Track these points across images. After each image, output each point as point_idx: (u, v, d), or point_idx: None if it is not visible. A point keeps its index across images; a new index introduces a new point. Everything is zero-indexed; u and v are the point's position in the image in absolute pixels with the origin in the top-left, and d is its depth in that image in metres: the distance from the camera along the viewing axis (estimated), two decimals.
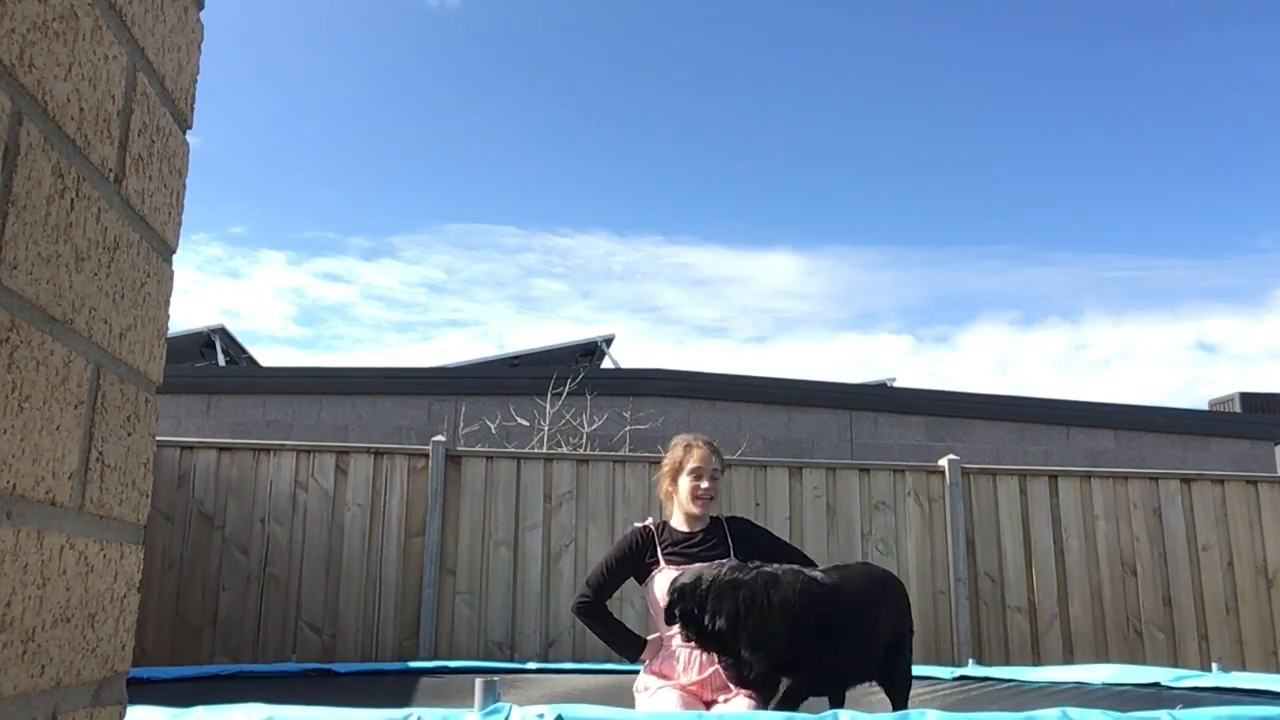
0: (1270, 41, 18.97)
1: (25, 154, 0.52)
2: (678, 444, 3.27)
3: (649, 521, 3.27)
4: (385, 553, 5.58)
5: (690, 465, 3.17)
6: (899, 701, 2.91)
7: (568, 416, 8.25)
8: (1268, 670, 5.55)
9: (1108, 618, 5.83)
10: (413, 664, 5.02)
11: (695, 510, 3.15)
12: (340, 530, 5.58)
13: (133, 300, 0.67)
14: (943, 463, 6.03)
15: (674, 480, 3.21)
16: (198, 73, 0.77)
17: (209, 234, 25.90)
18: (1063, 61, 21.93)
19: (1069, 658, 5.65)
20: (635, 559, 3.17)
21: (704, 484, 3.14)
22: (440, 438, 5.85)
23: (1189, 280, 25.62)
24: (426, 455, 5.73)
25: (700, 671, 3.04)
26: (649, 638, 3.22)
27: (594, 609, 3.20)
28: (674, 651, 3.08)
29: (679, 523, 3.20)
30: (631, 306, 23.84)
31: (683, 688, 3.04)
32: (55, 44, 0.55)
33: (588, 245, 24.19)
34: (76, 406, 0.59)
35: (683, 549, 3.12)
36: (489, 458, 5.84)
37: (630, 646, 3.19)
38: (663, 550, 3.13)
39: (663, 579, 3.05)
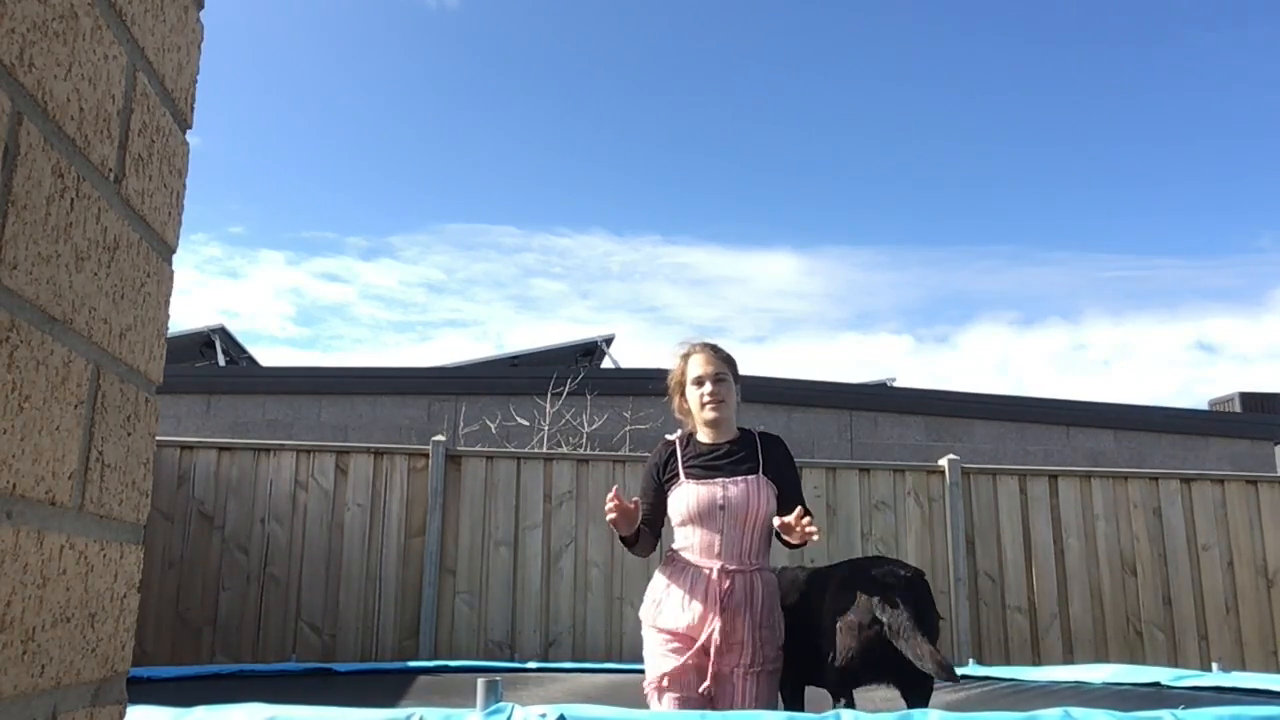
0: (1269, 41, 18.96)
1: (25, 154, 0.52)
2: (676, 355, 3.05)
3: (676, 435, 3.04)
4: (385, 553, 5.58)
5: (692, 374, 2.96)
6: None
7: (568, 416, 8.25)
8: (1268, 670, 5.55)
9: (1108, 618, 5.83)
10: (413, 664, 5.02)
11: (710, 417, 2.91)
12: (340, 530, 5.58)
13: (133, 300, 0.67)
14: (943, 463, 6.03)
15: (683, 395, 3.01)
16: (198, 73, 0.77)
17: (208, 234, 25.93)
18: (1062, 61, 21.93)
19: (1069, 658, 5.65)
20: (657, 475, 2.96)
21: (708, 388, 2.91)
22: (440, 438, 5.85)
23: (1189, 280, 25.64)
24: (426, 455, 5.73)
25: (700, 617, 2.73)
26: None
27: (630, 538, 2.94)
28: (683, 566, 2.81)
29: (704, 435, 2.97)
30: (630, 306, 23.85)
31: (685, 670, 2.72)
32: (55, 44, 0.55)
33: (586, 245, 24.21)
34: (76, 406, 0.59)
35: (707, 461, 2.89)
36: (489, 458, 5.84)
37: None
38: (684, 463, 2.91)
39: (681, 493, 2.85)
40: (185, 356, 11.85)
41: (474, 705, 2.09)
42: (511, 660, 5.37)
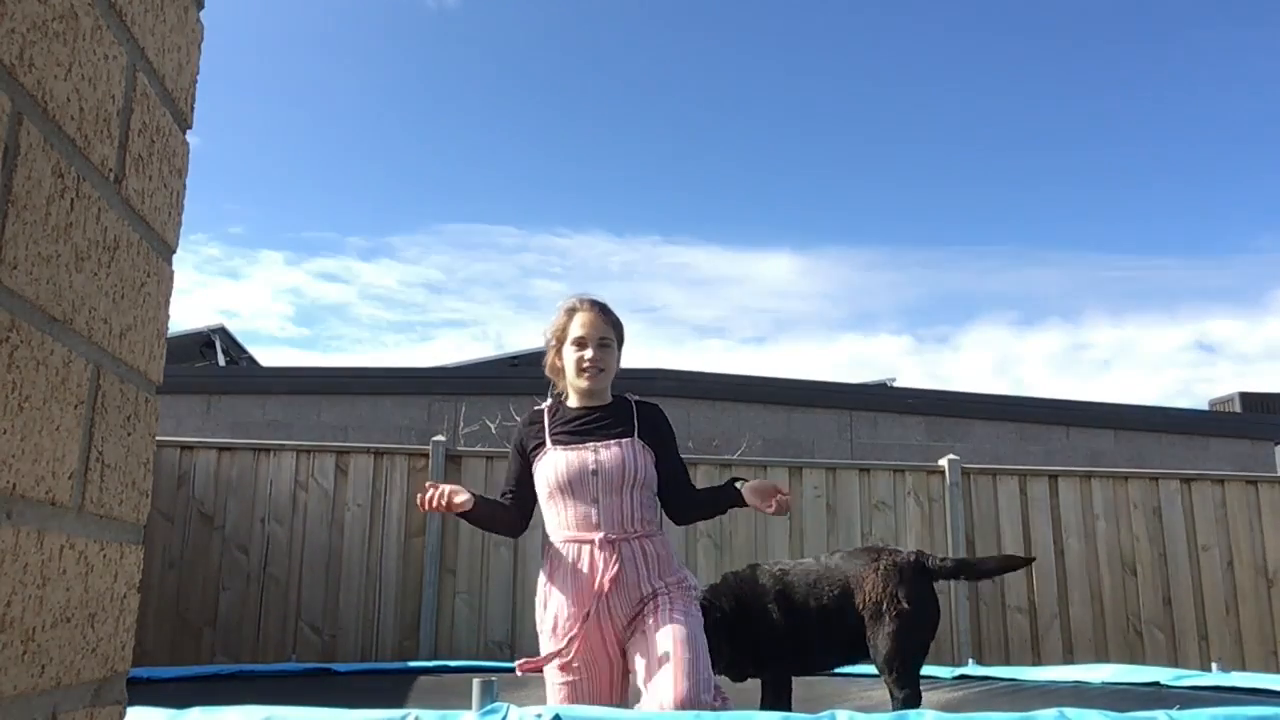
0: (1269, 41, 18.97)
1: (25, 154, 0.52)
2: (560, 309, 2.75)
3: (546, 404, 2.77)
4: (385, 553, 5.58)
5: (574, 333, 2.67)
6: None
7: None
8: (1268, 670, 5.55)
9: (1108, 618, 5.83)
10: (412, 664, 5.02)
11: (584, 385, 2.65)
12: (340, 530, 5.58)
13: (133, 300, 0.67)
14: (943, 463, 6.03)
15: (559, 352, 2.72)
16: (198, 73, 0.77)
17: (207, 234, 25.93)
18: (1061, 61, 21.94)
19: (1069, 658, 5.65)
20: (523, 446, 2.69)
21: (589, 353, 2.63)
22: (440, 438, 5.85)
23: (1188, 280, 25.64)
24: (426, 455, 5.73)
25: (586, 598, 2.45)
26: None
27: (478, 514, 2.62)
28: (559, 552, 2.52)
29: (574, 400, 2.70)
30: (630, 306, 23.86)
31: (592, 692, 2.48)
32: (55, 44, 0.55)
33: (585, 245, 24.21)
34: (76, 406, 0.59)
35: (575, 427, 2.62)
36: (489, 458, 5.84)
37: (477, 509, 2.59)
38: (551, 430, 2.64)
39: (548, 461, 2.58)
40: (185, 356, 11.83)
41: (470, 706, 2.09)
42: (511, 660, 5.36)
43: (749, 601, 3.17)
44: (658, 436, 2.65)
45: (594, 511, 2.50)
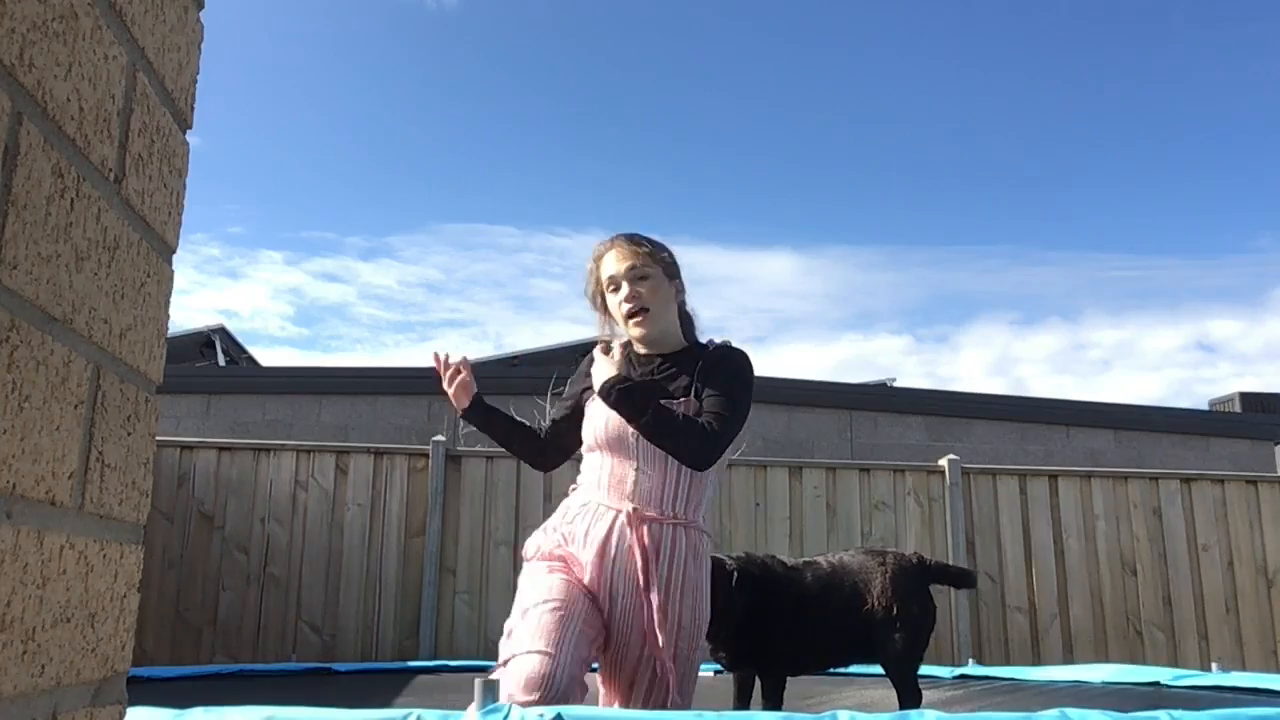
0: (1269, 41, 18.97)
1: (25, 154, 0.52)
2: (590, 258, 2.37)
3: (619, 341, 2.36)
4: (385, 553, 5.58)
5: (607, 274, 2.29)
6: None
7: None
8: (1268, 670, 5.55)
9: (1108, 618, 5.83)
10: (412, 664, 5.02)
11: (636, 333, 2.28)
12: (340, 530, 5.58)
13: (133, 300, 0.67)
14: (943, 463, 6.03)
15: (606, 310, 2.35)
16: (198, 73, 0.77)
17: (208, 234, 25.91)
18: (1062, 60, 21.94)
19: (1069, 658, 5.65)
20: (576, 382, 2.39)
21: (624, 291, 2.25)
22: (440, 438, 5.85)
23: (1188, 280, 25.60)
24: (426, 455, 5.73)
25: (598, 565, 2.14)
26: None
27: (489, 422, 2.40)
28: (586, 501, 2.23)
29: (639, 347, 2.34)
30: None
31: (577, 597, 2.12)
32: (55, 44, 0.55)
33: (586, 245, 24.16)
34: (76, 406, 0.59)
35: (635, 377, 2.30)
36: (489, 458, 5.84)
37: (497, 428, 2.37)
38: None
39: (594, 411, 2.27)
40: (185, 356, 11.83)
41: (472, 705, 2.09)
42: None
43: (773, 586, 3.04)
44: (707, 382, 2.21)
45: (630, 479, 2.17)
